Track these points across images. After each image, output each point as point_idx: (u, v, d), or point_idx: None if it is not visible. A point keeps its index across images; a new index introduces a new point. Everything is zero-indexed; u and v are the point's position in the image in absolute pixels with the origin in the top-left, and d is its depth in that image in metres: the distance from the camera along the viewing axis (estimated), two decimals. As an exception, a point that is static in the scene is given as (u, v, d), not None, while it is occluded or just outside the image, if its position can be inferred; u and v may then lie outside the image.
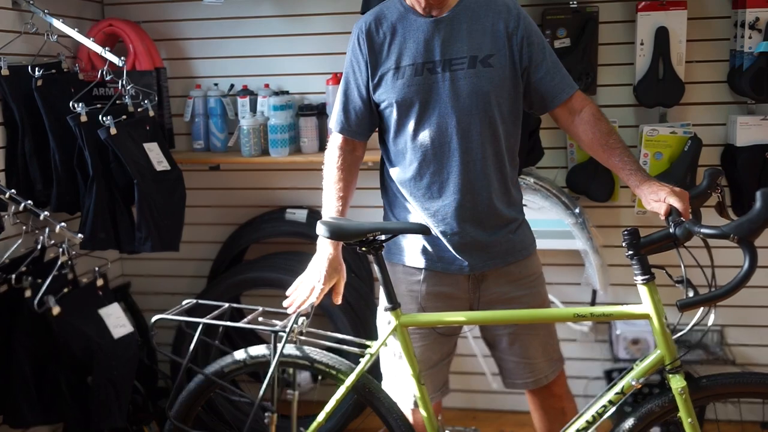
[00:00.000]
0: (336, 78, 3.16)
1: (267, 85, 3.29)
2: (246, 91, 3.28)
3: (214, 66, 3.39)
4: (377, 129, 2.17)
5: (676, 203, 1.77)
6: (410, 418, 2.11)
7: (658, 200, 1.81)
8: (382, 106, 2.05)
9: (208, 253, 3.47)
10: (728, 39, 2.99)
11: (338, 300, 2.11)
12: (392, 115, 2.04)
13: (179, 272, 3.55)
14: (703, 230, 1.67)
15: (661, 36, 2.92)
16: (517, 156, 2.13)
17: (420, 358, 2.09)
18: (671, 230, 1.74)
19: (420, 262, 2.10)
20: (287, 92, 3.28)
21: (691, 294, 1.74)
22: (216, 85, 3.36)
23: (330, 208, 2.10)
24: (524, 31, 2.00)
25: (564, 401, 2.22)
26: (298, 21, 3.28)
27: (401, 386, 2.14)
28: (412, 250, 2.11)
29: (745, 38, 2.83)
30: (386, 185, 2.18)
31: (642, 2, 2.94)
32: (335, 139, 2.16)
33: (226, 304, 2.16)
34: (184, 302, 2.14)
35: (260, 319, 2.10)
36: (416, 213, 2.08)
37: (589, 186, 3.04)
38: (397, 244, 2.14)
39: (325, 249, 2.07)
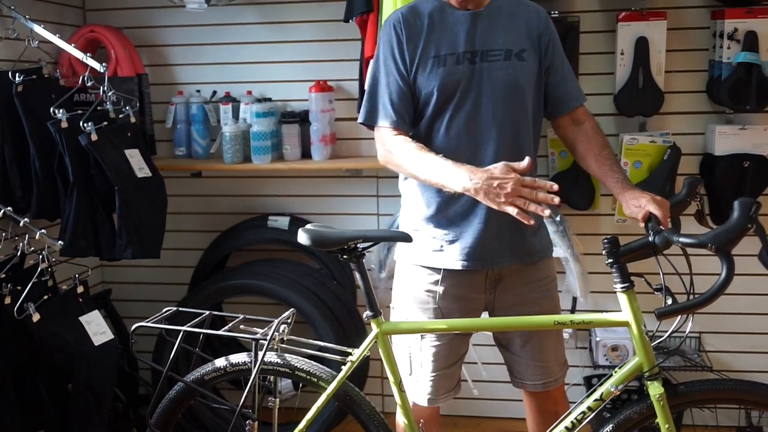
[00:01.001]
0: (319, 85, 3.17)
1: (250, 92, 3.29)
2: (228, 98, 3.28)
3: (196, 72, 3.39)
4: None
5: (655, 211, 1.80)
6: (420, 414, 2.13)
7: (638, 206, 1.84)
8: (424, 93, 2.04)
9: (189, 261, 3.46)
10: (707, 49, 3.03)
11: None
12: (430, 103, 2.04)
13: (160, 279, 3.53)
14: (681, 239, 1.70)
15: (641, 46, 2.95)
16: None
17: (436, 358, 2.11)
18: (650, 239, 1.76)
19: (438, 262, 2.10)
20: (270, 99, 3.28)
21: (669, 302, 1.76)
22: (198, 91, 3.35)
23: (445, 163, 1.88)
24: (550, 35, 2.10)
25: (559, 404, 2.24)
26: (282, 28, 3.28)
27: (415, 382, 2.16)
28: (429, 251, 2.10)
29: (723, 48, 2.87)
30: (412, 182, 2.14)
31: (622, 12, 2.98)
32: (386, 133, 2.05)
33: (207, 312, 2.15)
34: (165, 310, 2.13)
35: (241, 326, 2.09)
36: (445, 206, 2.07)
37: (569, 194, 3.06)
38: (413, 245, 2.10)
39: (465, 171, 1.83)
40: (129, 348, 3.08)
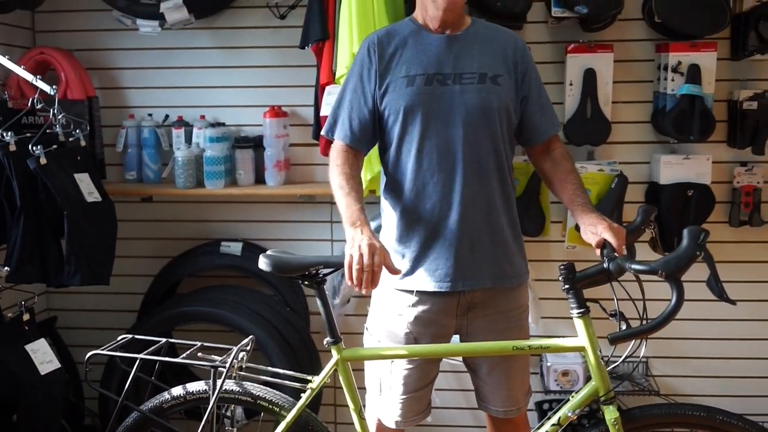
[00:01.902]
0: (273, 111, 3.17)
1: (203, 117, 3.27)
2: (181, 122, 3.25)
3: (148, 96, 3.35)
4: (378, 146, 2.19)
5: (611, 238, 1.85)
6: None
7: (594, 233, 1.89)
8: (388, 113, 2.08)
9: (139, 287, 3.39)
10: (652, 81, 3.13)
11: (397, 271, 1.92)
12: (397, 124, 2.07)
13: (108, 306, 3.45)
14: (633, 266, 1.75)
15: (589, 77, 3.04)
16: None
17: (406, 381, 2.11)
18: (605, 265, 1.80)
19: (411, 284, 2.10)
20: (224, 124, 3.26)
21: (623, 327, 1.80)
22: (150, 115, 3.31)
23: (350, 205, 1.97)
24: (527, 64, 2.14)
25: (520, 429, 2.26)
26: (237, 53, 3.28)
27: (384, 402, 2.16)
28: (402, 273, 2.10)
29: (668, 81, 2.98)
30: (386, 204, 2.18)
31: (571, 45, 3.06)
32: (338, 146, 2.13)
33: (164, 339, 2.11)
34: (121, 337, 2.09)
35: (199, 354, 2.06)
36: (416, 228, 2.09)
37: (521, 221, 3.09)
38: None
39: (357, 233, 1.89)
40: (77, 376, 3.02)
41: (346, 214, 1.96)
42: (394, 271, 1.85)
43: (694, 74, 2.93)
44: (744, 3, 2.99)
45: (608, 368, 1.88)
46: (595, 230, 1.90)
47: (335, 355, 1.97)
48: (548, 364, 3.16)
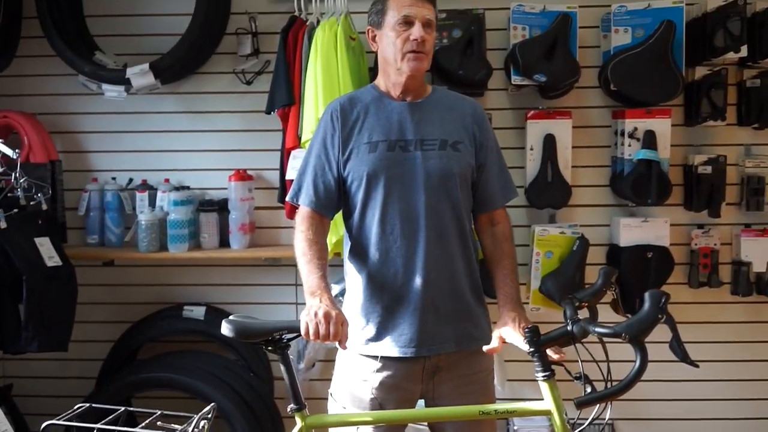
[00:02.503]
0: (238, 174, 3.18)
1: (167, 180, 3.26)
2: (145, 186, 3.24)
3: (112, 159, 3.35)
4: (342, 211, 2.21)
5: (511, 339, 1.95)
6: None
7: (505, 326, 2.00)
8: (352, 179, 2.09)
9: (98, 353, 3.31)
10: (610, 146, 3.22)
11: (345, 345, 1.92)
12: (361, 189, 2.08)
13: (66, 373, 3.37)
14: (597, 329, 1.77)
15: (549, 142, 3.11)
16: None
17: None
18: (569, 328, 1.82)
19: (376, 349, 2.09)
20: (188, 187, 3.26)
21: (588, 389, 1.80)
22: (114, 179, 3.30)
23: (311, 272, 1.99)
24: (484, 134, 2.17)
25: None
26: (203, 117, 3.30)
27: None
28: (367, 339, 2.10)
29: (625, 146, 3.06)
30: (350, 268, 2.18)
31: (531, 111, 3.14)
32: (303, 212, 2.14)
33: (122, 408, 2.05)
34: (77, 406, 2.03)
35: (158, 423, 2.01)
36: (380, 293, 2.09)
37: (483, 283, 3.11)
38: (351, 333, 2.07)
39: (315, 302, 1.91)
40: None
41: (306, 282, 1.98)
42: (343, 344, 1.86)
43: (649, 140, 3.02)
44: (696, 72, 3.11)
45: (574, 431, 1.87)
46: (499, 333, 1.99)
47: (299, 423, 1.93)
48: (515, 427, 3.14)
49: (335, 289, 3.12)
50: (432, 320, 2.07)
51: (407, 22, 2.05)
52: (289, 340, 1.95)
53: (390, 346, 2.08)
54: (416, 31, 2.04)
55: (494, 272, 2.15)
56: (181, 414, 2.00)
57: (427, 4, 2.08)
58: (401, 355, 2.07)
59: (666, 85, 3.02)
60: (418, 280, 2.05)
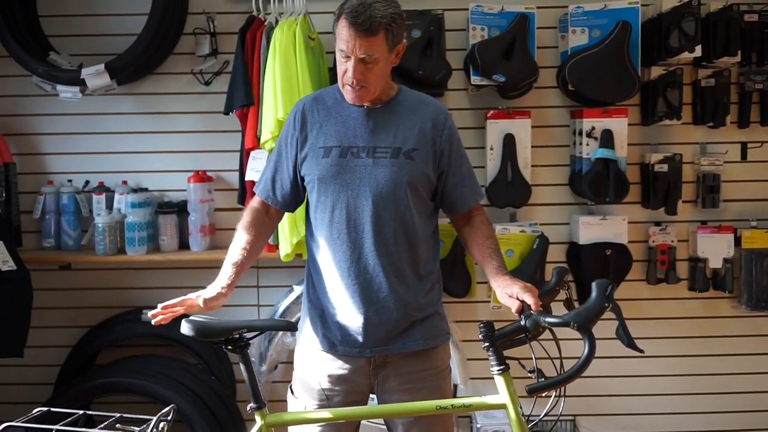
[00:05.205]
0: (198, 176, 3.15)
1: (125, 182, 3.22)
2: (102, 188, 3.20)
3: (68, 162, 3.30)
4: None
5: (528, 299, 1.88)
6: None
7: (511, 295, 1.92)
8: (307, 181, 2.12)
9: (55, 359, 3.26)
10: (568, 145, 3.25)
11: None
12: (313, 192, 2.11)
13: (22, 379, 3.30)
14: (547, 320, 1.81)
15: (509, 142, 3.13)
16: (436, 250, 2.21)
17: None
18: (522, 322, 1.84)
19: (324, 345, 2.11)
20: (146, 189, 3.23)
21: (542, 380, 1.82)
22: (70, 181, 3.26)
23: (224, 274, 2.13)
24: (448, 139, 2.13)
25: None
26: (161, 119, 3.27)
27: None
28: (317, 334, 2.12)
29: (583, 145, 3.10)
30: (310, 257, 2.20)
31: (490, 111, 3.16)
32: (254, 201, 2.22)
33: (81, 412, 2.02)
34: (36, 410, 1.99)
35: (117, 425, 1.98)
36: (333, 289, 2.10)
37: (447, 283, 3.14)
38: (306, 328, 2.16)
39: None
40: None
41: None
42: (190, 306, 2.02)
43: (607, 139, 3.06)
44: (652, 72, 3.16)
45: (530, 425, 1.88)
46: (510, 291, 1.94)
47: (259, 421, 1.93)
48: (478, 425, 3.16)
49: (297, 290, 3.12)
50: (375, 323, 2.07)
51: (346, 56, 2.02)
52: (249, 339, 1.94)
53: (337, 343, 2.10)
54: (350, 68, 2.01)
55: (478, 252, 2.14)
56: (141, 417, 1.98)
57: (369, 38, 1.97)
58: (346, 354, 2.10)
59: (623, 85, 3.07)
60: (363, 285, 2.06)
